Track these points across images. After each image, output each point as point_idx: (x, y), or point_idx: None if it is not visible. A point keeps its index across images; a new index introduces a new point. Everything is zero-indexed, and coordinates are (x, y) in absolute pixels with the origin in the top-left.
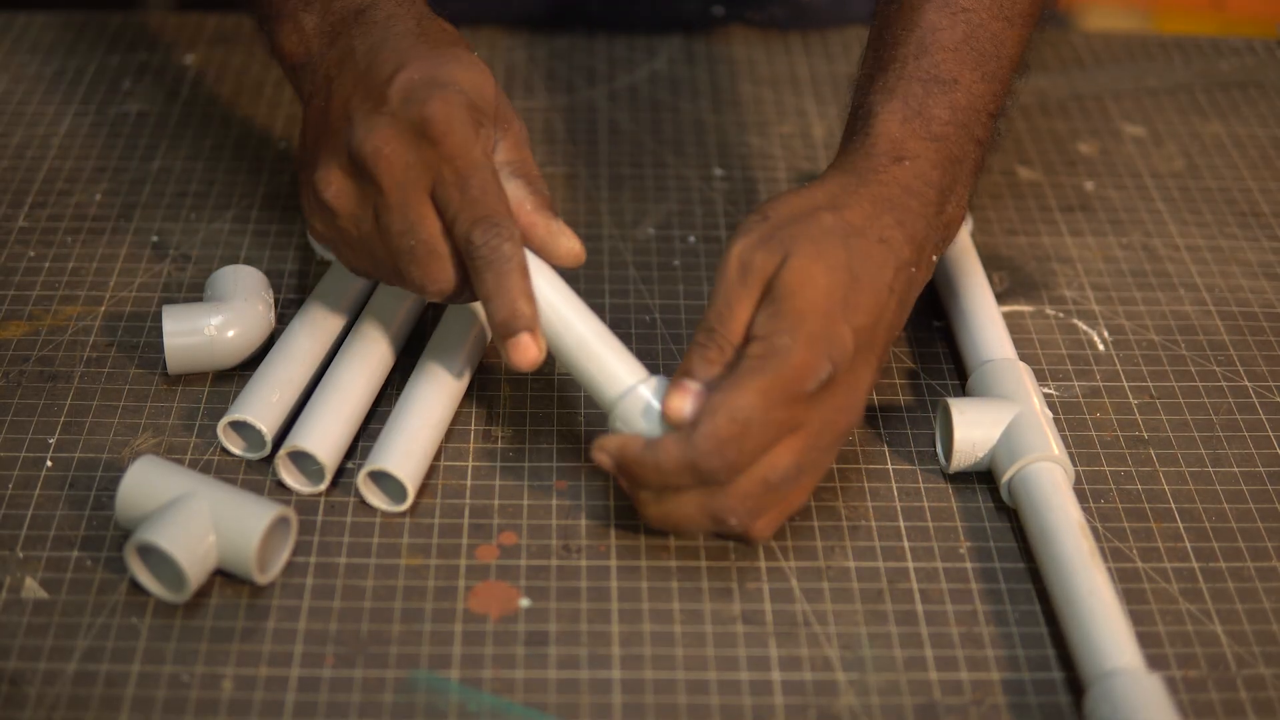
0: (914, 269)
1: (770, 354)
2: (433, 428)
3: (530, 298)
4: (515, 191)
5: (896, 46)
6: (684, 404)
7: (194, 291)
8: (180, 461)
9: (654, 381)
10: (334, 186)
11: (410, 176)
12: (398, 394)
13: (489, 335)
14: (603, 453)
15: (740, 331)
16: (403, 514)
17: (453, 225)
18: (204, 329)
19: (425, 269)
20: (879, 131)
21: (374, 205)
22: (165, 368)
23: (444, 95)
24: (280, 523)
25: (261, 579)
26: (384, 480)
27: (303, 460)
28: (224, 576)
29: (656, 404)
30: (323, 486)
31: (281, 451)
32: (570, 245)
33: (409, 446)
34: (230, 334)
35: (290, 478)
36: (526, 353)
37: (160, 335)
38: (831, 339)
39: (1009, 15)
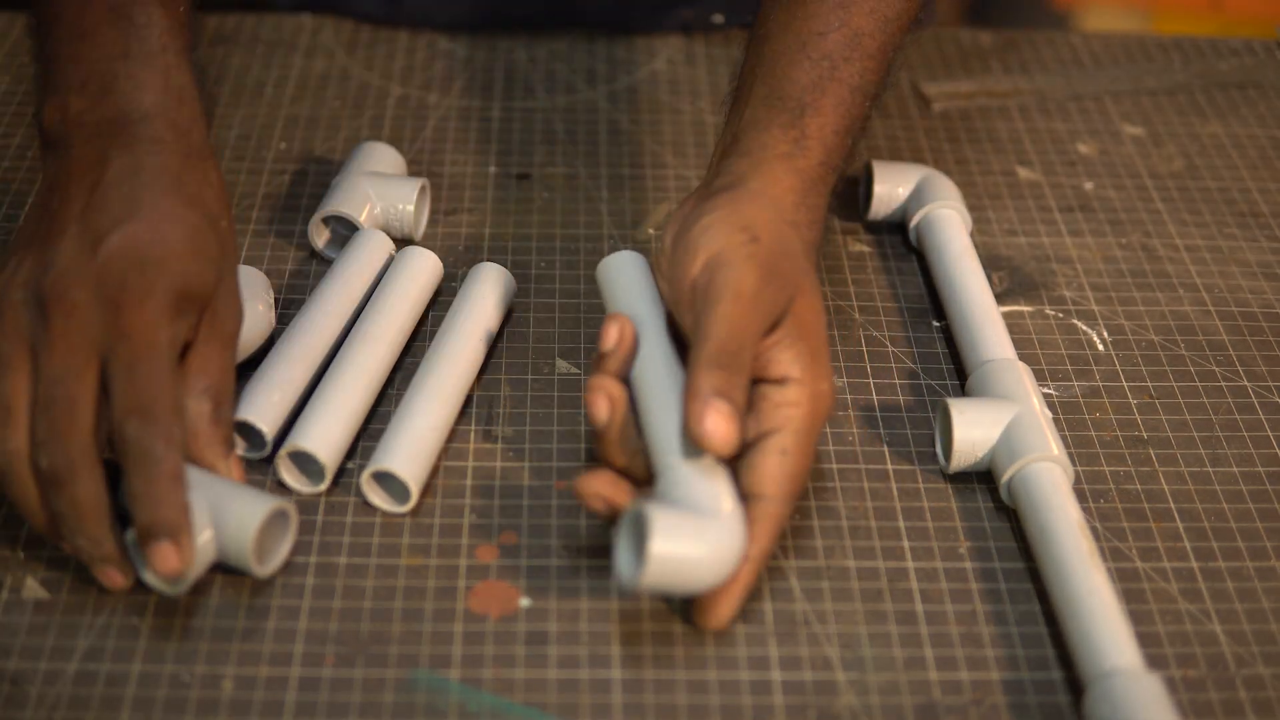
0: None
1: (817, 398)
2: (436, 429)
3: (178, 505)
4: (196, 410)
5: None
6: (731, 430)
7: None
8: None
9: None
10: (12, 294)
11: (86, 339)
12: (398, 394)
13: (491, 336)
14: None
15: (752, 362)
16: (403, 514)
17: (112, 409)
18: None
19: (54, 455)
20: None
21: (32, 338)
22: None
23: (154, 270)
24: (279, 516)
25: (261, 571)
26: (387, 481)
27: (303, 460)
28: (225, 575)
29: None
30: (323, 486)
31: (282, 451)
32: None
33: (413, 447)
34: None
35: (291, 478)
36: (166, 562)
37: None
38: (828, 365)
39: None
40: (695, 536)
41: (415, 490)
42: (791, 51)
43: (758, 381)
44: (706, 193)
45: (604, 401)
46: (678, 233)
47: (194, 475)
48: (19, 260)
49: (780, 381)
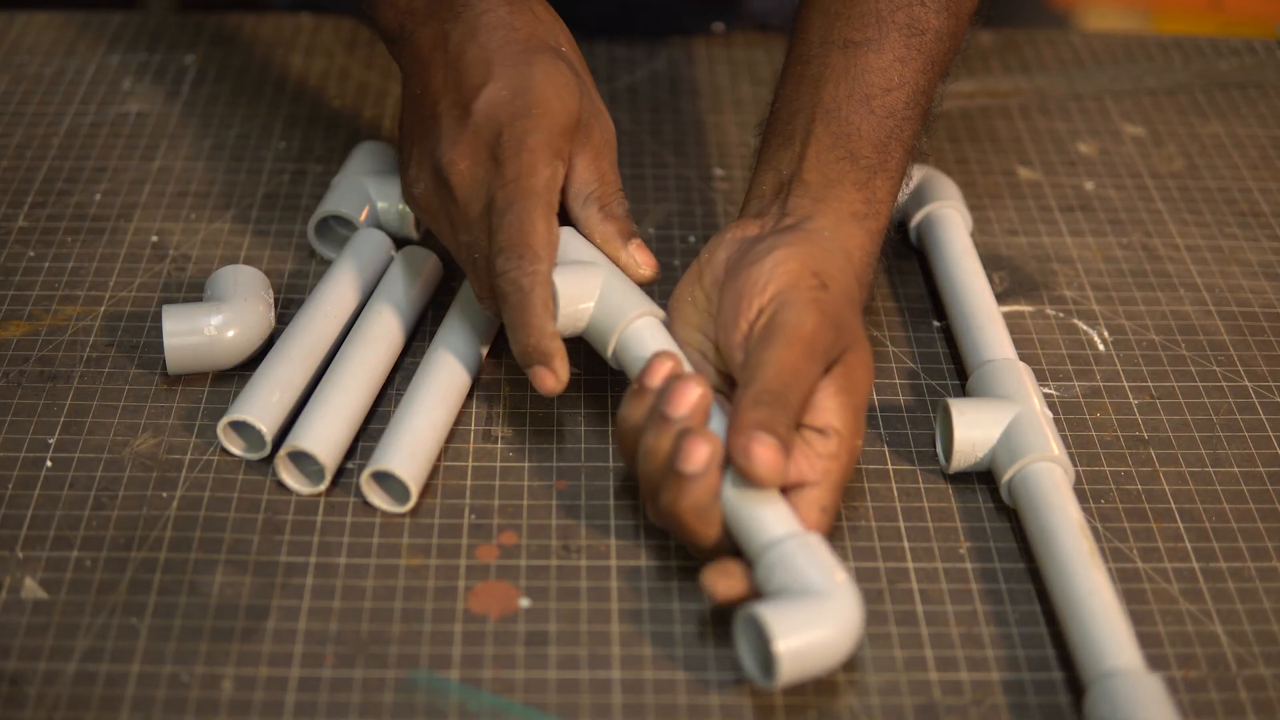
0: None
1: (853, 454)
2: (436, 429)
3: (547, 333)
4: (590, 219)
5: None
6: (778, 459)
7: (194, 291)
8: (180, 462)
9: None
10: (420, 186)
11: (480, 194)
12: (398, 394)
13: (490, 336)
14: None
15: (800, 406)
16: (403, 514)
17: (490, 248)
18: (204, 329)
19: (478, 282)
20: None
21: (449, 211)
22: (165, 368)
23: (521, 122)
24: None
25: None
26: (387, 481)
27: (303, 460)
28: (225, 575)
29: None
30: (323, 487)
31: (282, 451)
32: (640, 272)
33: (413, 447)
34: (230, 334)
35: (290, 478)
36: (544, 382)
37: (160, 335)
38: (864, 423)
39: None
40: (815, 624)
41: (415, 490)
42: (855, 102)
43: (799, 426)
44: (774, 226)
45: (705, 452)
46: (738, 256)
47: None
48: (410, 152)
49: (822, 431)
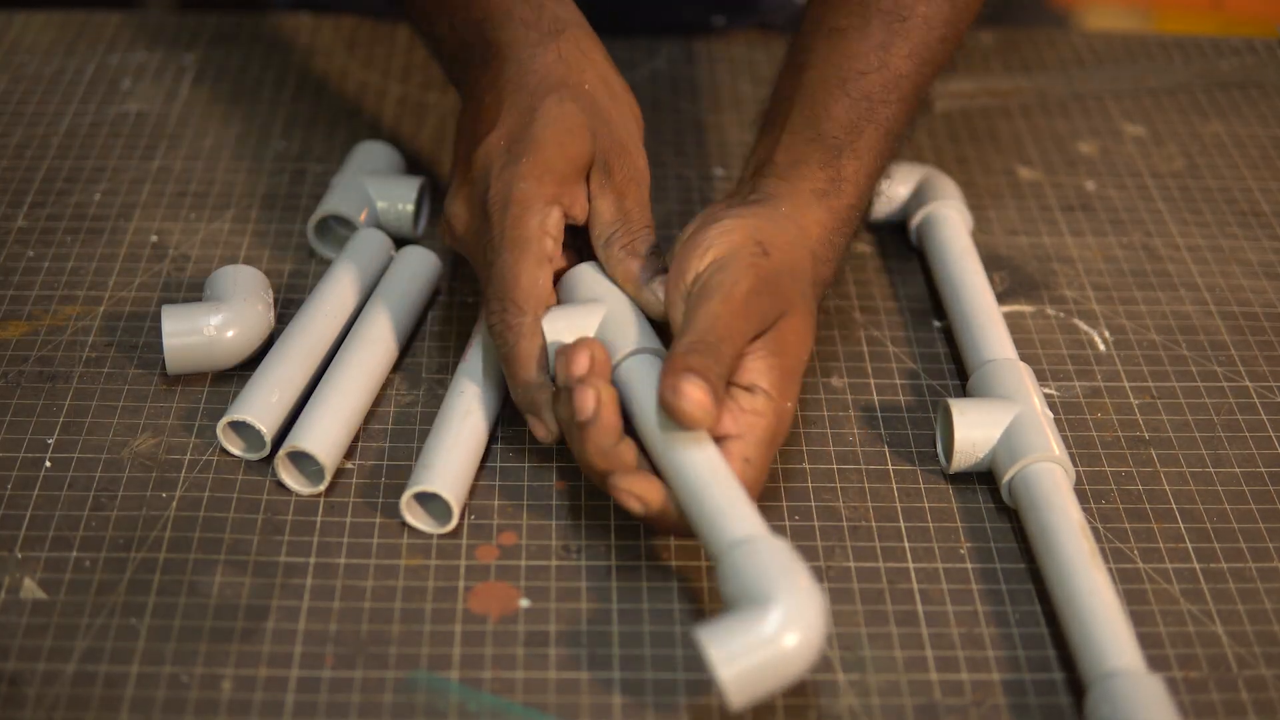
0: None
1: (780, 415)
2: (470, 443)
3: (533, 385)
4: (611, 259)
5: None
6: (708, 400)
7: (193, 291)
8: (179, 462)
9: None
10: (454, 218)
11: (480, 244)
12: (397, 394)
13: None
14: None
15: (732, 360)
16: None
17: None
18: (203, 329)
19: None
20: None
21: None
22: (165, 368)
23: (510, 170)
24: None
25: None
26: (429, 500)
27: (302, 460)
28: (224, 575)
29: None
30: (322, 487)
31: (281, 452)
32: (656, 309)
33: (453, 465)
34: (230, 334)
35: (289, 478)
36: (535, 431)
37: (159, 335)
38: (798, 388)
39: None
40: (761, 642)
41: (456, 509)
42: (830, 86)
43: (728, 385)
44: (735, 201)
45: (591, 397)
46: (695, 229)
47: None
48: (454, 185)
49: (749, 389)
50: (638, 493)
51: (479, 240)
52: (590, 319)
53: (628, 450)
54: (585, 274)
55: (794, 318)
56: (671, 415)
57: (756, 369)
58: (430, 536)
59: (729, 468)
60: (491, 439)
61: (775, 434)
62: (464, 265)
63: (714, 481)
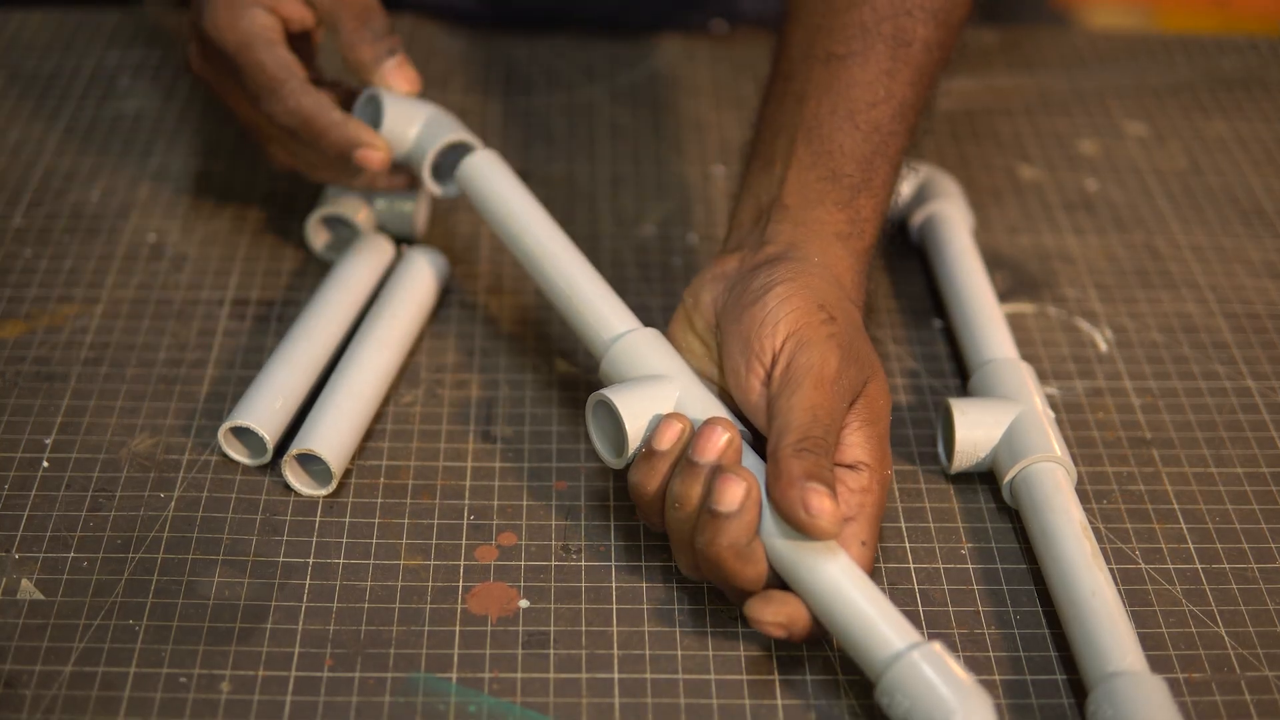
0: None
1: (884, 486)
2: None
3: (334, 123)
4: (345, 33)
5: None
6: (835, 507)
7: (192, 290)
8: (177, 462)
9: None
10: (191, 55)
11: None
12: (396, 394)
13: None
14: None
15: (835, 447)
16: (401, 515)
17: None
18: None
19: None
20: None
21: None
22: (163, 368)
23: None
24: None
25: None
26: (309, 462)
27: (308, 462)
28: (223, 575)
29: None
30: (328, 490)
31: (290, 453)
32: (400, 85)
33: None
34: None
35: (296, 479)
36: (370, 160)
37: (157, 336)
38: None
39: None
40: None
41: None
42: (838, 118)
43: None
44: (756, 258)
45: (739, 489)
46: (729, 297)
47: None
48: None
49: (853, 466)
50: (784, 621)
51: (218, 67)
52: (664, 394)
53: (760, 552)
54: (645, 343)
55: (877, 380)
56: (800, 529)
57: (855, 443)
58: (430, 537)
59: (861, 571)
60: (491, 439)
61: (882, 507)
62: (464, 265)
63: (859, 596)
